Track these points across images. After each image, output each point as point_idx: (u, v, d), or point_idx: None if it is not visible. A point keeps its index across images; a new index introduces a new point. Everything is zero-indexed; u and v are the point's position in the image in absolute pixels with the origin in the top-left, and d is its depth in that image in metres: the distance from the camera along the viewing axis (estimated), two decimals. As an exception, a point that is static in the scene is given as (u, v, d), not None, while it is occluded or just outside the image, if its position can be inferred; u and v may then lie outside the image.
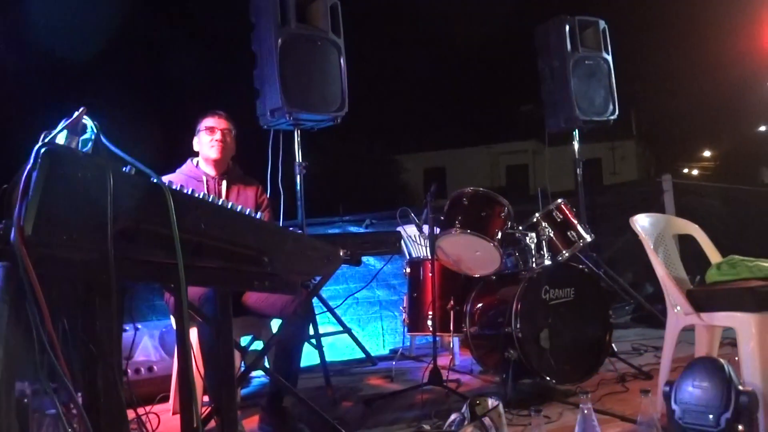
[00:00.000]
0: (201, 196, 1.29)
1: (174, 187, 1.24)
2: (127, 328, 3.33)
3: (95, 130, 1.17)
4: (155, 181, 1.16)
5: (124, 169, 1.15)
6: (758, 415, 2.16)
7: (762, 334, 2.31)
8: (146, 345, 3.51)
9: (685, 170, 27.98)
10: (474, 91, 30.37)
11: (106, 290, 1.10)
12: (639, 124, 27.33)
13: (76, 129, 1.16)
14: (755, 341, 2.30)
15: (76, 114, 1.17)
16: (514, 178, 26.68)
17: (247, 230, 1.30)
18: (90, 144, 1.18)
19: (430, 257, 3.52)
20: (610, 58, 5.02)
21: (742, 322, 2.35)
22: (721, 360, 2.23)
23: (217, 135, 3.16)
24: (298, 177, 4.07)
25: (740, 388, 2.15)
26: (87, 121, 1.17)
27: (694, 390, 2.23)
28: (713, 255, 2.84)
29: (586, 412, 2.02)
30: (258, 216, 2.43)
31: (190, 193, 1.28)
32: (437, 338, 3.44)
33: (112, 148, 1.15)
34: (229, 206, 1.35)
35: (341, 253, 1.47)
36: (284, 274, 1.38)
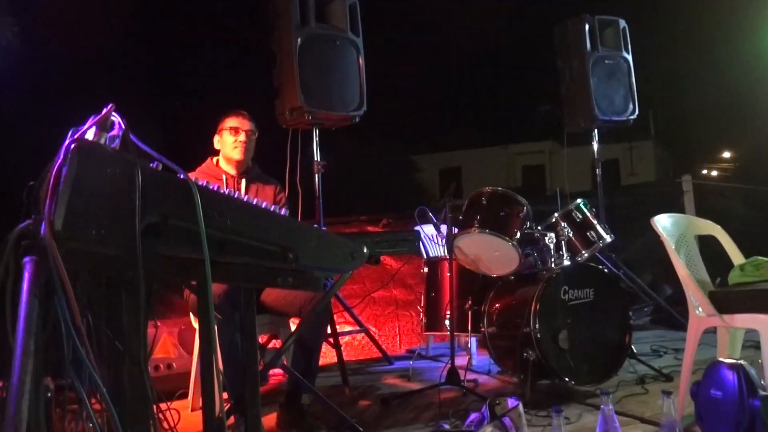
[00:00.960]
0: (227, 193, 1.30)
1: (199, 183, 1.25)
2: (148, 325, 3.38)
3: (123, 127, 1.18)
4: (182, 177, 1.17)
5: (151, 165, 1.16)
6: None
7: (786, 336, 2.28)
8: (165, 342, 3.54)
9: (704, 171, 27.65)
10: (491, 92, 30.26)
11: (134, 285, 1.11)
12: (657, 124, 27.07)
13: (104, 125, 1.18)
14: (779, 344, 2.27)
15: (104, 110, 1.18)
16: (530, 178, 26.54)
17: (273, 226, 1.30)
18: (117, 141, 1.19)
19: (448, 257, 3.51)
20: (630, 57, 4.98)
21: (766, 324, 2.32)
22: (741, 363, 2.20)
23: (241, 136, 3.18)
24: (317, 176, 4.08)
25: (760, 392, 2.12)
26: (115, 117, 1.19)
27: (712, 395, 2.21)
28: (736, 256, 2.81)
29: (607, 412, 2.01)
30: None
31: (216, 189, 1.29)
32: (455, 338, 3.44)
33: (140, 144, 1.17)
34: (254, 203, 1.36)
35: (365, 250, 1.48)
36: (309, 270, 1.38)
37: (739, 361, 2.17)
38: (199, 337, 1.52)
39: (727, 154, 31.54)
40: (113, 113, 1.18)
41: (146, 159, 1.16)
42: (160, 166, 1.17)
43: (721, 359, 2.21)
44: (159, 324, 3.51)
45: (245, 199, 1.33)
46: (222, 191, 1.30)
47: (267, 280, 1.42)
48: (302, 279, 1.42)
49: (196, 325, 3.18)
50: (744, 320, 2.45)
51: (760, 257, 2.60)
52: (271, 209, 1.36)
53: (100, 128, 1.17)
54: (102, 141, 1.18)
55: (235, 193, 1.42)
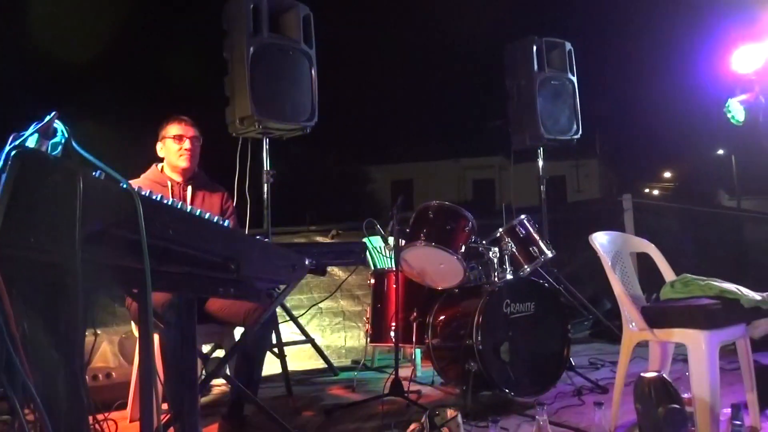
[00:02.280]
0: (170, 203, 1.30)
1: (143, 192, 1.25)
2: (86, 333, 3.30)
3: (66, 135, 1.17)
4: (125, 186, 1.17)
5: (94, 174, 1.16)
6: (692, 429, 2.24)
7: (711, 350, 2.40)
8: (105, 351, 3.46)
9: (646, 190, 28.73)
10: (443, 105, 30.71)
11: (72, 293, 1.10)
12: (603, 143, 27.93)
13: (47, 132, 1.17)
14: (705, 357, 2.39)
15: (47, 118, 1.17)
16: (480, 192, 26.95)
17: (215, 237, 1.31)
18: (60, 148, 1.18)
19: (394, 269, 3.55)
20: (575, 79, 5.15)
21: (693, 339, 2.44)
22: (657, 375, 2.30)
23: (186, 144, 3.14)
24: (266, 185, 4.07)
25: (674, 405, 2.22)
26: (58, 125, 1.18)
27: (637, 407, 2.32)
28: (668, 273, 2.94)
29: (541, 423, 2.08)
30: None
31: (159, 199, 1.29)
32: (399, 349, 3.48)
33: (83, 152, 1.16)
34: (197, 213, 1.36)
35: (307, 263, 1.49)
36: (250, 281, 1.39)
37: (656, 374, 2.27)
38: (139, 346, 1.51)
39: (668, 174, 32.85)
40: (56, 120, 1.17)
41: (89, 167, 1.16)
42: (103, 175, 1.17)
43: (642, 374, 2.30)
44: (99, 332, 3.43)
45: (189, 209, 1.33)
46: (165, 200, 1.30)
47: (209, 289, 1.43)
48: (244, 289, 1.42)
49: (137, 333, 3.13)
50: (673, 335, 2.57)
51: (689, 275, 2.73)
52: (215, 219, 1.37)
53: (43, 135, 1.16)
54: (44, 148, 1.17)
55: (179, 202, 1.42)
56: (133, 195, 1.13)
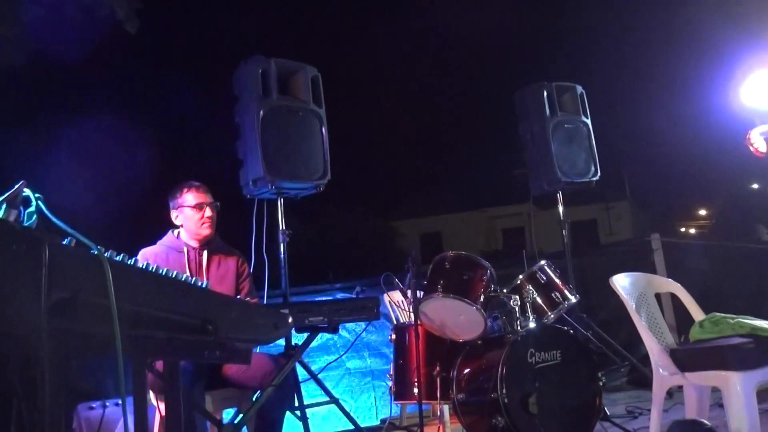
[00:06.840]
0: (144, 266, 1.28)
1: (149, 260, 1.23)
2: (93, 405, 3.25)
3: (36, 202, 1.17)
4: (95, 252, 1.15)
5: (63, 241, 1.14)
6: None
7: (747, 392, 2.25)
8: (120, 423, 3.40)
9: (682, 229, 28.12)
10: (468, 156, 30.88)
11: (41, 365, 1.07)
12: (632, 184, 27.60)
13: (14, 202, 1.17)
14: (741, 400, 2.25)
15: (15, 187, 1.17)
16: (510, 241, 26.70)
17: (190, 299, 1.28)
18: (35, 216, 1.18)
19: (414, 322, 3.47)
20: (589, 121, 5.10)
21: (727, 381, 2.30)
22: (692, 420, 2.16)
23: (207, 212, 3.16)
24: (282, 245, 4.06)
25: None
26: (28, 193, 1.18)
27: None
28: (696, 312, 2.82)
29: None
30: (239, 286, 2.40)
31: (132, 263, 1.27)
32: (424, 406, 3.36)
33: (54, 219, 1.15)
34: (173, 275, 1.34)
35: (290, 320, 1.45)
36: (230, 342, 1.35)
37: (690, 419, 2.14)
38: (133, 415, 1.47)
39: (703, 212, 32.17)
40: (24, 189, 1.17)
41: (58, 235, 1.14)
42: (74, 242, 1.16)
43: (678, 420, 2.17)
44: (108, 404, 3.37)
45: (162, 271, 1.31)
46: (139, 264, 1.28)
47: (193, 353, 1.38)
48: (229, 351, 1.38)
49: (154, 402, 3.08)
50: (705, 378, 2.43)
51: (718, 313, 2.61)
52: (191, 281, 1.35)
53: (10, 205, 1.16)
54: (12, 218, 1.16)
55: (153, 265, 1.38)
56: (102, 260, 1.11)
